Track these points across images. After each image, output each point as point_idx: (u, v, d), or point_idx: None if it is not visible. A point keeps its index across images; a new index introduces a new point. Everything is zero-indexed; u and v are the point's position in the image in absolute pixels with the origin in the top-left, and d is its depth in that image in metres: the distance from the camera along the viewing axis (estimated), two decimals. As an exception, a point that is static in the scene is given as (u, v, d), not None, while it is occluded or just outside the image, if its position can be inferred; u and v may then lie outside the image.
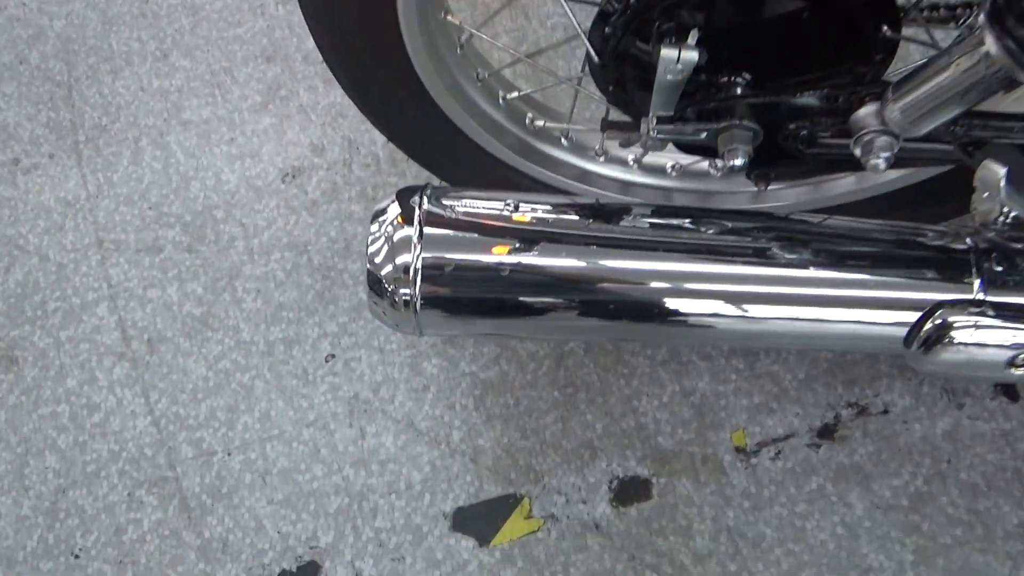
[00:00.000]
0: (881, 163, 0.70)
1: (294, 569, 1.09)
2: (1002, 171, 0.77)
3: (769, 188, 1.06)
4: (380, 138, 1.41)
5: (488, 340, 1.22)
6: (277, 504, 1.13)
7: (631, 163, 1.12)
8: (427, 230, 0.77)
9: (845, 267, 0.84)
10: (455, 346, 1.22)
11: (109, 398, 1.22)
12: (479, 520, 1.09)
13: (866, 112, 0.71)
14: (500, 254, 0.77)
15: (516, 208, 0.79)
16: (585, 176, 1.11)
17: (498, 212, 0.79)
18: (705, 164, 1.11)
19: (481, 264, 0.77)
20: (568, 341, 1.19)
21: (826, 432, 1.11)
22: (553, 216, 0.80)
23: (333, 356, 1.22)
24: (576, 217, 0.81)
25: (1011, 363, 0.82)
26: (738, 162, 0.76)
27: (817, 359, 1.15)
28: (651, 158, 1.12)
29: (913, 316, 0.81)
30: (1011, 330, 0.81)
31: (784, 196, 1.11)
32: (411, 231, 0.78)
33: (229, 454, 1.17)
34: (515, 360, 1.20)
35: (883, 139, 0.70)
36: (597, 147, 1.09)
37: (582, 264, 0.78)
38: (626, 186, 1.13)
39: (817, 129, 0.76)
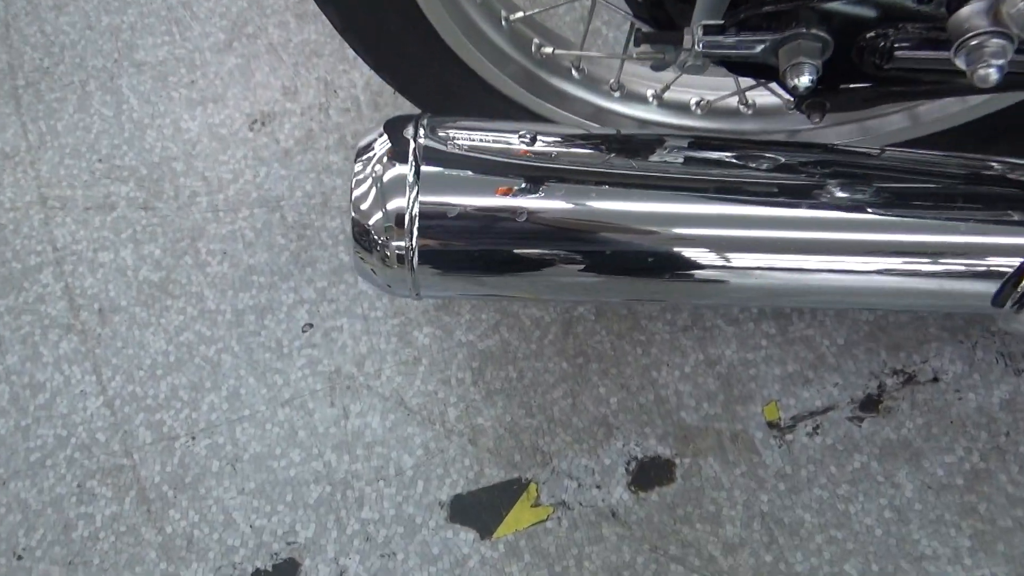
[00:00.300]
0: (992, 73, 0.56)
1: (270, 568, 0.95)
2: None
3: (814, 126, 0.92)
4: (360, 80, 1.24)
5: (487, 305, 1.07)
6: (249, 494, 0.98)
7: (650, 99, 0.97)
8: (425, 168, 0.62)
9: (922, 210, 0.70)
10: (449, 312, 1.07)
11: (55, 376, 1.06)
12: (480, 509, 0.96)
13: (972, 10, 0.56)
14: (514, 197, 0.62)
15: (532, 141, 0.63)
16: (598, 114, 0.96)
17: (509, 146, 0.64)
18: (734, 101, 0.97)
19: (492, 209, 0.63)
20: (588, 302, 1.04)
21: (869, 404, 0.98)
22: (576, 151, 0.65)
23: (311, 325, 1.07)
24: (603, 153, 0.66)
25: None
26: (804, 80, 0.61)
27: (857, 321, 1.02)
28: (673, 94, 0.97)
29: (1007, 266, 0.67)
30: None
31: (824, 137, 0.97)
32: (405, 170, 0.62)
33: (193, 438, 1.02)
34: (517, 327, 1.05)
35: (996, 42, 0.55)
36: (613, 80, 0.94)
37: (614, 209, 0.63)
38: (644, 126, 0.98)
39: (904, 37, 0.61)
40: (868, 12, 0.61)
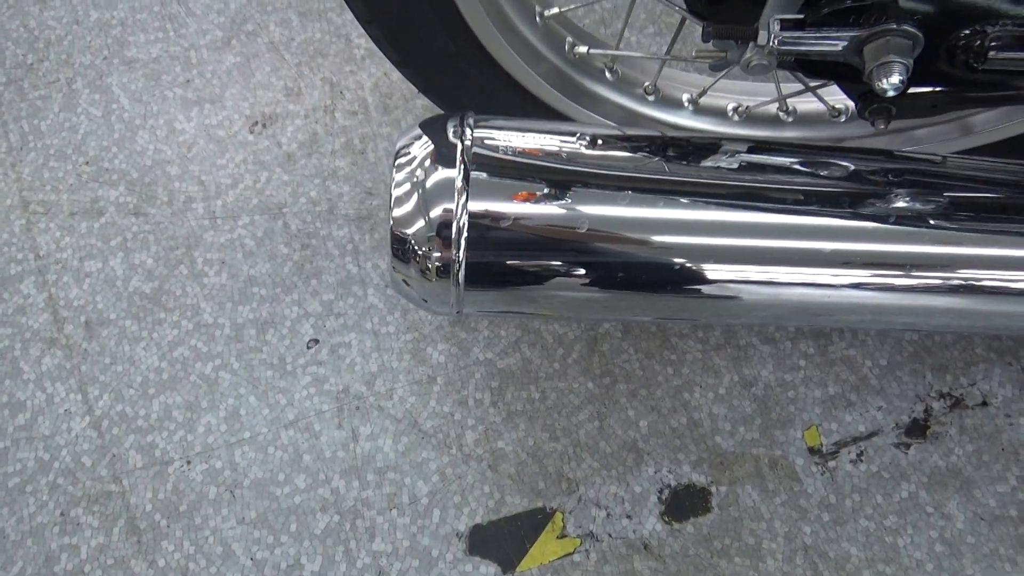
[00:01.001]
0: None
1: (273, 605, 0.88)
2: None
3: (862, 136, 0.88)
4: (368, 81, 1.18)
5: (506, 321, 1.01)
6: (250, 524, 0.91)
7: (686, 104, 0.92)
8: (475, 173, 0.56)
9: (997, 223, 0.65)
10: (466, 329, 1.01)
11: (37, 394, 0.98)
12: (502, 540, 0.89)
13: None
14: (575, 205, 0.56)
15: (592, 143, 0.58)
16: (630, 118, 0.91)
17: (566, 149, 0.58)
18: (773, 108, 0.92)
19: (550, 218, 0.57)
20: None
21: (916, 429, 0.93)
22: (638, 156, 0.60)
23: (316, 341, 1.00)
24: (668, 158, 0.60)
25: None
26: (894, 80, 0.56)
27: (900, 341, 0.97)
28: (710, 99, 0.92)
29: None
30: None
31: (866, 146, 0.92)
32: (452, 174, 0.56)
33: (188, 463, 0.95)
34: (539, 345, 0.99)
35: None
36: (648, 83, 0.89)
37: (687, 219, 0.58)
38: (677, 132, 0.93)
39: (1005, 35, 0.56)
40: (966, 6, 0.56)
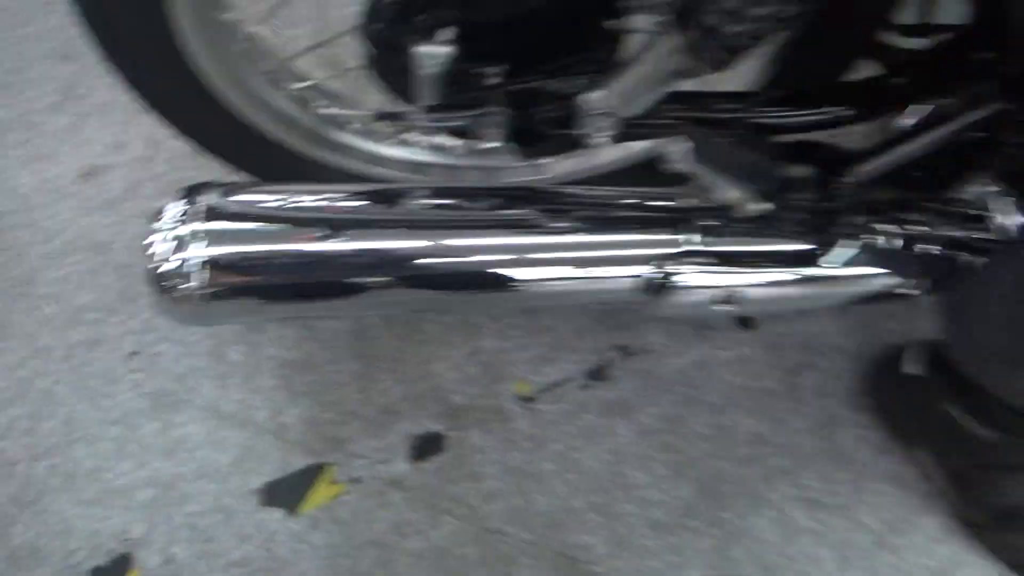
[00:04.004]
0: (603, 138, 0.73)
1: (106, 563, 1.02)
2: (689, 144, 0.81)
3: (542, 161, 1.09)
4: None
5: (293, 324, 1.18)
6: (85, 504, 1.05)
7: (423, 144, 1.10)
8: (214, 224, 0.75)
9: (593, 230, 0.86)
10: (258, 332, 1.17)
11: (-101, 419, 1.09)
12: (287, 492, 1.07)
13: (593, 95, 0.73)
14: (279, 242, 0.78)
15: (296, 198, 0.79)
16: (380, 160, 1.09)
17: (277, 203, 0.79)
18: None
19: (260, 253, 0.78)
20: (352, 317, 1.17)
21: (597, 374, 1.15)
22: (331, 203, 0.82)
23: (136, 353, 1.15)
24: (355, 203, 0.82)
25: (717, 301, 0.88)
26: (493, 143, 0.77)
27: (589, 313, 1.19)
28: (442, 138, 1.10)
29: (645, 269, 0.84)
30: (715, 274, 0.86)
31: (558, 168, 1.13)
32: (199, 225, 0.77)
33: (35, 460, 1.08)
34: (318, 339, 1.17)
35: (602, 119, 0.73)
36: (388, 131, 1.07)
37: (356, 246, 0.79)
38: (419, 167, 1.12)
39: (554, 112, 0.78)
40: (528, 94, 0.79)
